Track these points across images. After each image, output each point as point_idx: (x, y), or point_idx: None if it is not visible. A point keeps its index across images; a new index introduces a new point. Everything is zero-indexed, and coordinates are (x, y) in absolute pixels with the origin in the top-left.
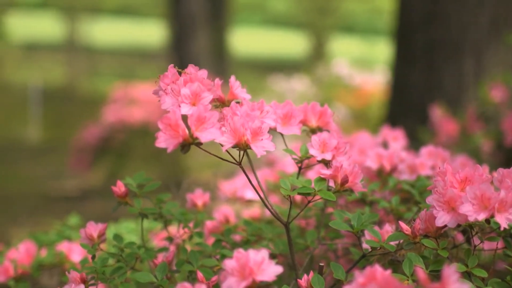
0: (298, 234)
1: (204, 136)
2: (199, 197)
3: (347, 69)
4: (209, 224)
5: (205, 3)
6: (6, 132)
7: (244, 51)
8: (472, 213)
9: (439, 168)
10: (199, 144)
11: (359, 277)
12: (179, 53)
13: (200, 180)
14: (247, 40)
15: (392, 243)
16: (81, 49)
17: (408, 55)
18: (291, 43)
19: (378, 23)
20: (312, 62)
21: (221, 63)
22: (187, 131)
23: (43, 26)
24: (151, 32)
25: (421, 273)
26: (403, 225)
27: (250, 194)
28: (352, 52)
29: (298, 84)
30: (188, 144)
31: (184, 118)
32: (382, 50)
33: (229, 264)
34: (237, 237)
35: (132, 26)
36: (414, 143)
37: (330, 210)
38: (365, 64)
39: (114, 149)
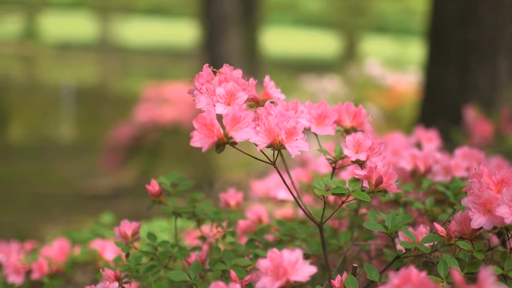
0: (331, 235)
1: (239, 135)
2: (232, 197)
3: (378, 69)
4: (242, 223)
5: (237, 3)
6: (40, 131)
7: (275, 51)
8: (508, 215)
9: (475, 169)
10: (233, 144)
11: (394, 278)
12: (211, 53)
13: (232, 179)
14: (278, 40)
15: (426, 244)
16: (113, 49)
17: (442, 55)
18: (322, 43)
19: (411, 23)
20: (343, 62)
21: (252, 63)
22: (222, 131)
23: (76, 26)
24: (183, 32)
25: (457, 275)
26: (438, 226)
27: (283, 194)
28: (384, 52)
29: (330, 84)
30: (223, 143)
31: (219, 117)
32: (415, 51)
33: (263, 263)
34: (269, 237)
35: (164, 25)
36: (447, 144)
37: (363, 211)
38: (397, 65)
39: (146, 148)
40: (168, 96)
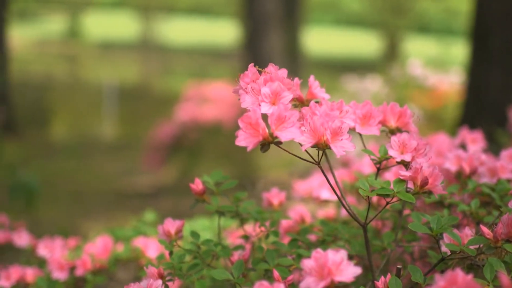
0: (374, 236)
1: (284, 135)
2: (275, 196)
3: (421, 69)
4: (284, 223)
5: (279, 2)
6: (82, 129)
7: (316, 51)
8: None
9: None
10: (278, 143)
11: (440, 280)
12: (252, 52)
13: (273, 179)
14: (319, 39)
15: (472, 247)
16: (155, 48)
17: (485, 56)
18: (364, 43)
19: (454, 23)
20: (385, 62)
21: (293, 63)
22: (267, 130)
23: (118, 25)
24: (224, 31)
25: (505, 278)
26: (484, 229)
27: (326, 194)
28: (427, 53)
29: (371, 85)
30: (268, 143)
31: (264, 117)
32: (458, 51)
33: (307, 263)
34: (312, 237)
35: (205, 25)
36: (491, 146)
37: (406, 212)
38: (439, 65)
39: (187, 147)
40: (209, 96)
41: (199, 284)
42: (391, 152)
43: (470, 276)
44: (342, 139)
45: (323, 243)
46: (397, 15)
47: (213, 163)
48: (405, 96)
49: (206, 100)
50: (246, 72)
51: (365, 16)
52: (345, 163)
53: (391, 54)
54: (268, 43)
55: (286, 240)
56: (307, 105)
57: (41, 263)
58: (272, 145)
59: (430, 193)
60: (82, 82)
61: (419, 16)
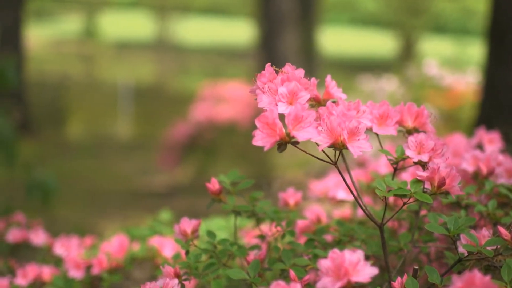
0: (390, 236)
1: (301, 135)
2: (291, 196)
3: (437, 69)
4: (300, 223)
5: (295, 2)
6: (98, 128)
7: (332, 50)
8: None
9: None
10: (295, 143)
11: (457, 281)
12: (268, 52)
13: (289, 178)
14: (335, 39)
15: (489, 248)
16: (171, 48)
17: (502, 56)
18: (379, 43)
19: (470, 23)
20: (401, 62)
21: (309, 62)
22: (284, 130)
23: (134, 25)
24: (239, 31)
25: None
26: (502, 230)
27: (342, 194)
28: (443, 53)
29: (387, 84)
30: (285, 143)
31: (280, 117)
32: (474, 51)
33: (324, 263)
34: (328, 237)
35: (221, 24)
36: (509, 146)
37: (423, 212)
38: (456, 65)
39: (202, 147)
40: (225, 95)
41: (215, 284)
42: (408, 153)
43: (487, 277)
44: (359, 139)
45: (340, 243)
46: (413, 15)
47: (228, 163)
48: (421, 96)
49: (221, 99)
50: (263, 72)
51: (380, 16)
52: (361, 163)
53: (407, 54)
54: (284, 42)
55: (302, 240)
56: (324, 105)
57: (58, 261)
58: (287, 145)
59: (447, 193)
60: (98, 82)
61: (435, 16)
